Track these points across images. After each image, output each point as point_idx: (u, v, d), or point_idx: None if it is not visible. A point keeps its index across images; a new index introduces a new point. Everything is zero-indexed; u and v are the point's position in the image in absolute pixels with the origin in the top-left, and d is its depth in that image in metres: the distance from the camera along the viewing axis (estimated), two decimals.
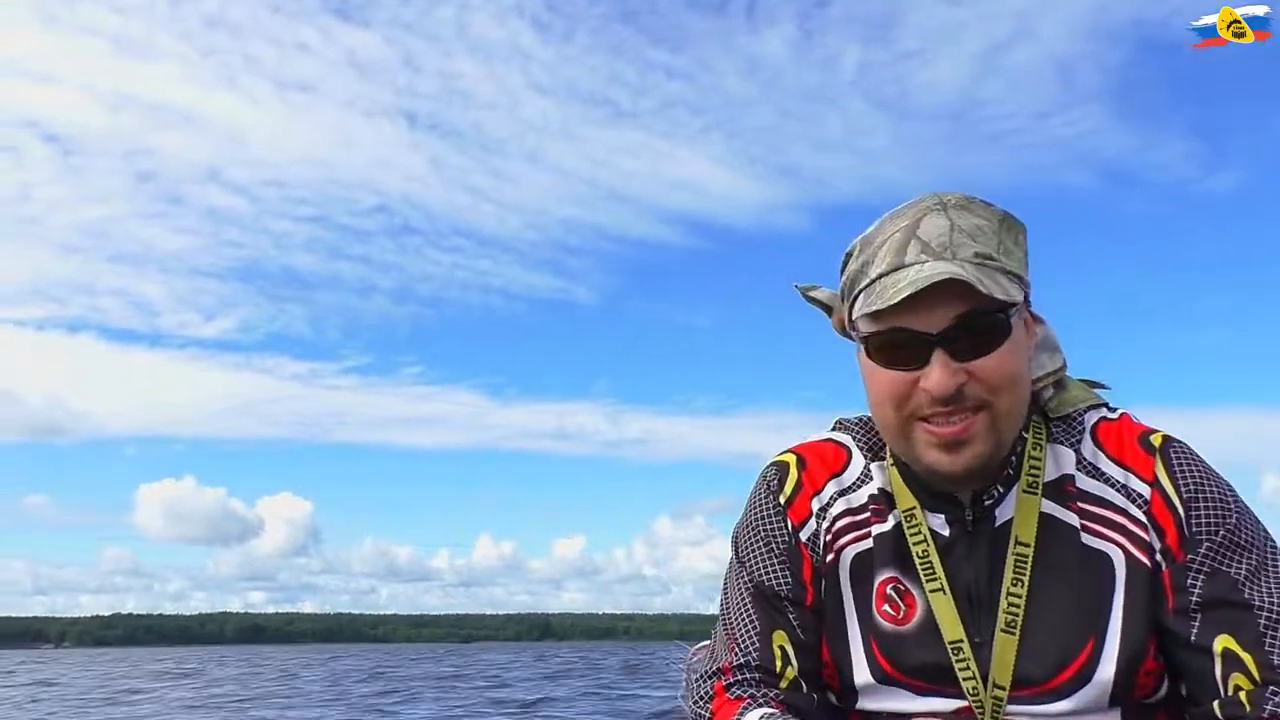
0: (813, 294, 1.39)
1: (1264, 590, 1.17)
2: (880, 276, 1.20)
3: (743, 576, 1.36)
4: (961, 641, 1.24)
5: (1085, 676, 1.19)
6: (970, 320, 1.17)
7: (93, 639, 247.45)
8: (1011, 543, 1.25)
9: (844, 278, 1.30)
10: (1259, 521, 1.24)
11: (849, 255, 1.29)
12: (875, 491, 1.34)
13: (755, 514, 1.39)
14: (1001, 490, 1.27)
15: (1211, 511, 1.21)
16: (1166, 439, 1.28)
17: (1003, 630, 1.22)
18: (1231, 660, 1.15)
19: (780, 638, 1.31)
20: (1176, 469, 1.24)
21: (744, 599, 1.35)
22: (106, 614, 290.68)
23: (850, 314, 1.28)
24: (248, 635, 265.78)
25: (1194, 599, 1.18)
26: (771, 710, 1.24)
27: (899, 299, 1.15)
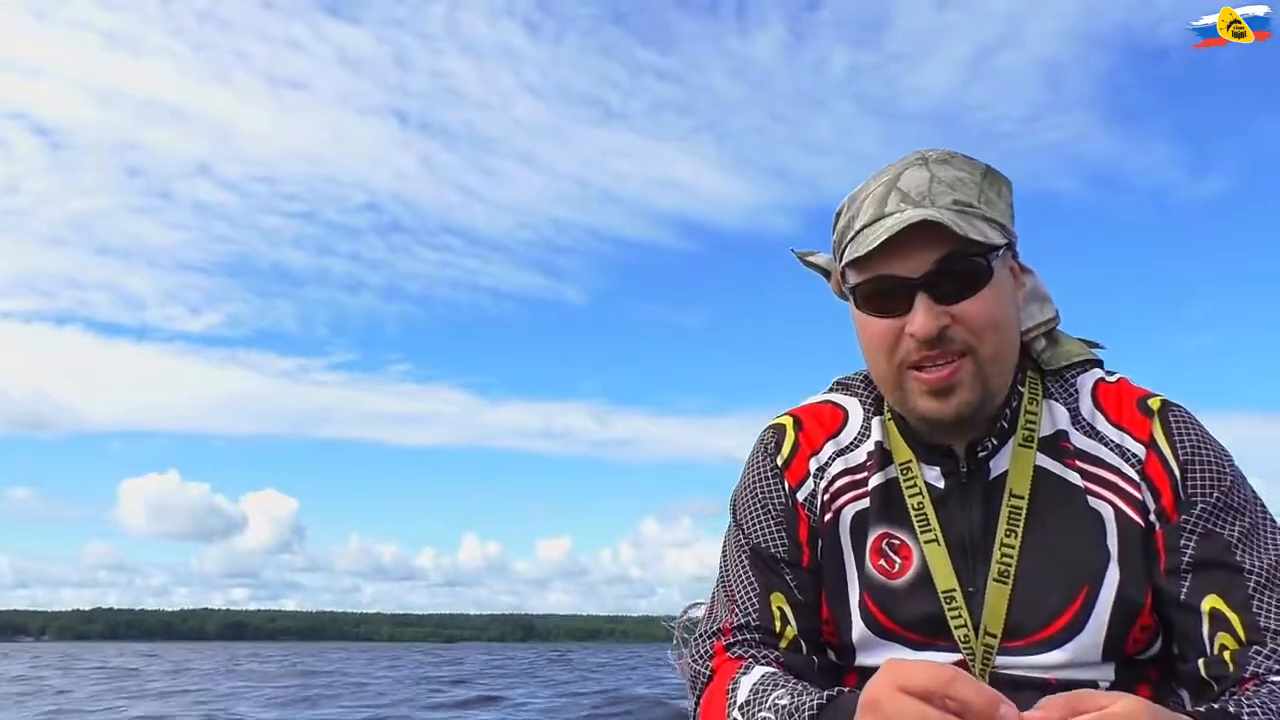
0: (810, 259, 1.42)
1: (1255, 553, 1.18)
2: (863, 228, 1.23)
3: (740, 539, 1.38)
4: (954, 591, 1.25)
5: (1077, 627, 1.21)
6: (950, 263, 1.19)
7: (74, 633, 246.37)
8: (1006, 494, 1.26)
9: (834, 236, 1.33)
10: (1252, 487, 1.25)
11: (838, 215, 1.32)
12: (873, 448, 1.36)
13: (752, 476, 1.40)
14: (995, 443, 1.29)
15: (1207, 474, 1.22)
16: (1165, 403, 1.29)
17: (995, 579, 1.24)
18: (1219, 620, 1.17)
19: (778, 599, 1.32)
20: (1175, 432, 1.25)
21: (742, 561, 1.36)
22: (88, 608, 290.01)
23: (841, 270, 1.30)
24: (230, 632, 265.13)
25: (1186, 559, 1.20)
26: (773, 670, 1.24)
27: (877, 244, 1.18)
